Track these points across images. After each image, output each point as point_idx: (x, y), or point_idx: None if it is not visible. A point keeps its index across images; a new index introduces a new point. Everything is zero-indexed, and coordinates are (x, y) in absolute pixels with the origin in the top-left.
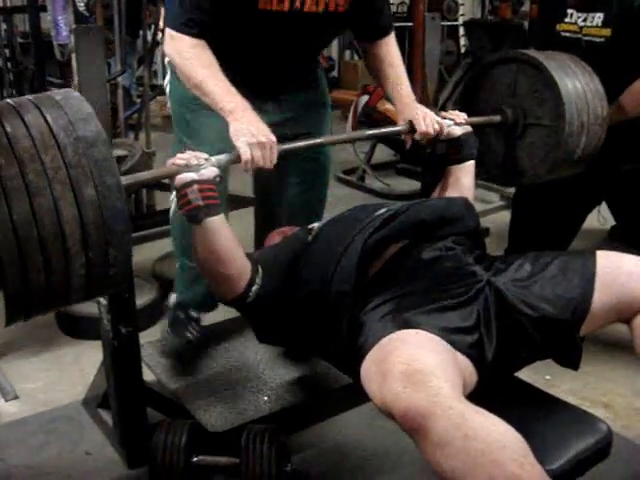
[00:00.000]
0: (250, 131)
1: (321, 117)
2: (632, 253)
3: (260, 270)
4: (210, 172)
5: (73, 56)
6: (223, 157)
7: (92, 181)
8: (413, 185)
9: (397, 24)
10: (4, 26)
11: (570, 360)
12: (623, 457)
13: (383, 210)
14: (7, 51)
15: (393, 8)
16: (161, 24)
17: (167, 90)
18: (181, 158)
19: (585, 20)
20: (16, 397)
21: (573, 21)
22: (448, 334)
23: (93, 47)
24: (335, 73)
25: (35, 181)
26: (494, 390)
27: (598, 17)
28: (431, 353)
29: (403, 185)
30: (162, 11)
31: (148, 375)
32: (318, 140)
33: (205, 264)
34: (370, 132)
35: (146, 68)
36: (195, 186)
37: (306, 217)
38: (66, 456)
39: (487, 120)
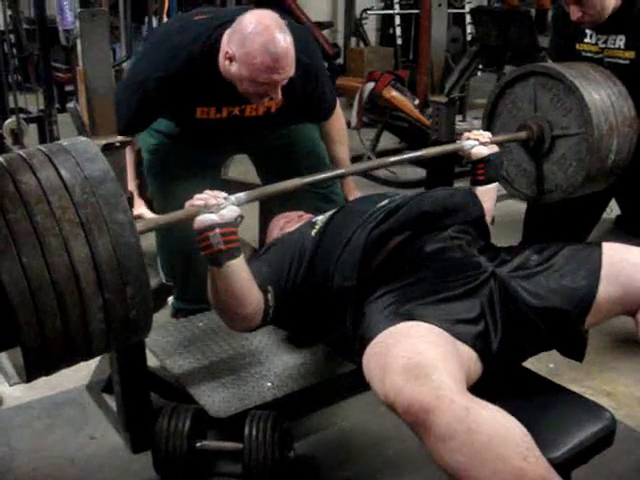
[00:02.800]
0: None
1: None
2: (638, 243)
3: (270, 289)
4: (231, 212)
5: (78, 41)
6: (242, 195)
7: (102, 219)
8: (418, 173)
9: (404, 11)
10: (9, 12)
11: (575, 351)
12: (626, 445)
13: (385, 202)
14: (12, 37)
15: None
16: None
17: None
18: (199, 198)
19: (606, 42)
20: (20, 382)
21: (593, 42)
22: (451, 325)
23: (99, 31)
24: (341, 60)
25: (43, 222)
26: (498, 378)
27: (620, 39)
28: (433, 346)
29: (408, 173)
30: None
31: (152, 360)
32: (339, 171)
33: (222, 305)
34: (393, 159)
35: None
36: (217, 230)
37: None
38: (70, 440)
39: (513, 137)
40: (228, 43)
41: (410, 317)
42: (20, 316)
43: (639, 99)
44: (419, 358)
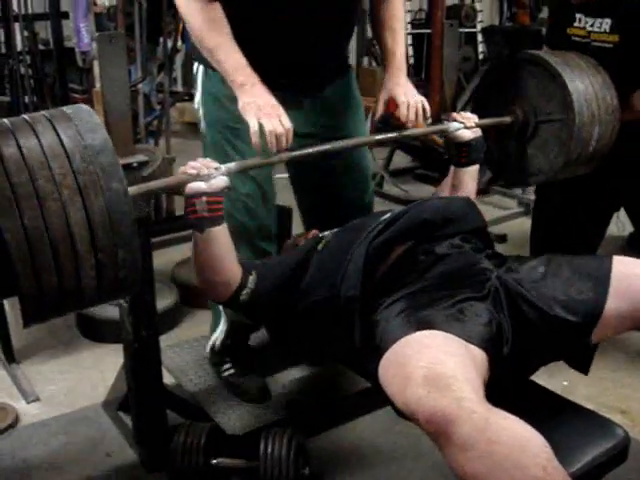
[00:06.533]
0: (257, 104)
1: (359, 121)
2: None
3: (254, 274)
4: (220, 182)
5: (95, 62)
6: (233, 165)
7: (99, 186)
8: (431, 191)
9: (416, 31)
10: (26, 33)
11: (581, 363)
12: None
13: (388, 215)
14: (28, 58)
15: (412, 15)
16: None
17: (200, 113)
18: (193, 167)
19: (592, 25)
20: (37, 399)
21: (582, 26)
22: (463, 330)
23: (116, 53)
24: None
25: (44, 187)
26: (512, 394)
27: (606, 23)
28: (451, 355)
29: (421, 191)
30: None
31: (168, 378)
32: (327, 146)
33: (200, 269)
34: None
35: (166, 75)
36: (204, 198)
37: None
38: (86, 457)
39: (498, 121)
40: None
41: (424, 325)
42: (19, 269)
43: (623, 84)
44: (440, 369)
